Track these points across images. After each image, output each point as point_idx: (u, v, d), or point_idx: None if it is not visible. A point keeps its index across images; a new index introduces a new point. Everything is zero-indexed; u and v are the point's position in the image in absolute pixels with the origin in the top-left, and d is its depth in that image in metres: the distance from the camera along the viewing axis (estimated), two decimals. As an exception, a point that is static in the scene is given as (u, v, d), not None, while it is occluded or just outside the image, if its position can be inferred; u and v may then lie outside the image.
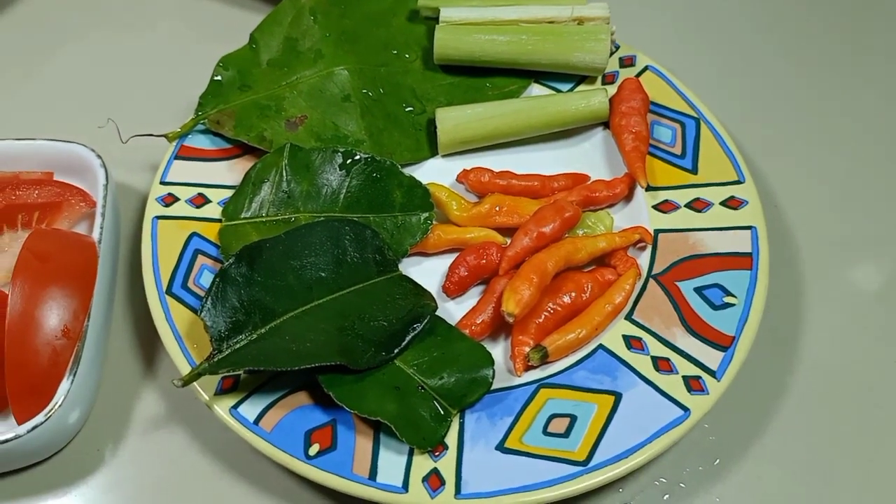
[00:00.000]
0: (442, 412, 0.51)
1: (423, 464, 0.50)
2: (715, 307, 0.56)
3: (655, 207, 0.62)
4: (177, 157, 0.63)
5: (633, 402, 0.52)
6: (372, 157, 0.60)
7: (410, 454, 0.50)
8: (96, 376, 0.55)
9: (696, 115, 0.66)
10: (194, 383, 0.51)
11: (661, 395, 0.52)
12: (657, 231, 0.60)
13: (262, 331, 0.52)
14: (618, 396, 0.53)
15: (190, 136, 0.64)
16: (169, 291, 0.56)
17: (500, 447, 0.51)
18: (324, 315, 0.54)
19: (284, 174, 0.60)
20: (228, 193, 0.62)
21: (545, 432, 0.51)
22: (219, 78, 0.65)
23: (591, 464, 0.50)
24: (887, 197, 0.68)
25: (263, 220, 0.59)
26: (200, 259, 0.58)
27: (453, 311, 0.59)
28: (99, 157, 0.62)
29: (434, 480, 0.49)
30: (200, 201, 0.61)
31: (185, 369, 0.52)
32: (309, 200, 0.60)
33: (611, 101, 0.66)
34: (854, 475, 0.55)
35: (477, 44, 0.67)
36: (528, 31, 0.67)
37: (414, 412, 0.51)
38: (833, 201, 0.68)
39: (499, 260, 0.58)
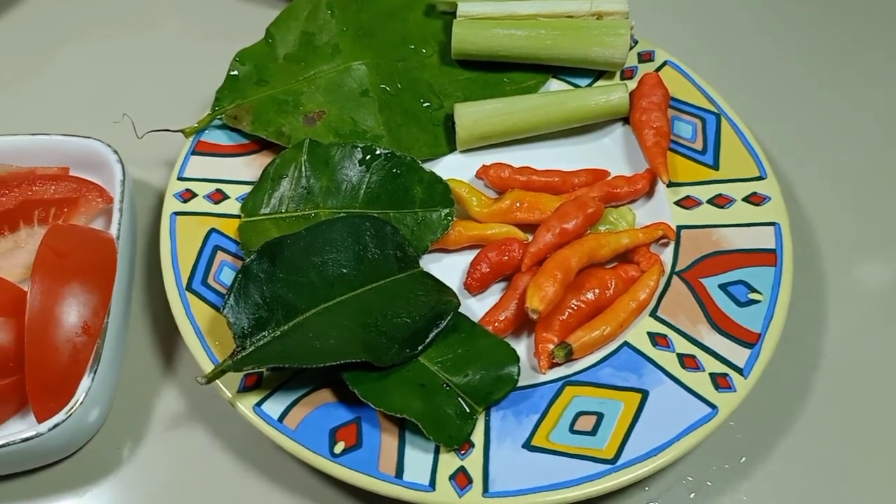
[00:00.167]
0: (468, 410, 0.50)
1: (449, 462, 0.49)
2: (740, 304, 0.56)
3: (677, 203, 0.61)
4: (194, 153, 0.62)
5: (660, 399, 0.52)
6: (392, 152, 0.60)
7: (436, 452, 0.50)
8: (116, 374, 0.55)
9: (716, 111, 0.66)
10: (217, 381, 0.51)
11: (688, 393, 0.52)
12: (680, 227, 0.60)
13: (285, 327, 0.51)
14: (644, 394, 0.52)
15: (206, 131, 0.64)
16: (189, 288, 0.55)
17: (527, 445, 0.50)
18: (346, 312, 0.53)
19: (304, 170, 0.60)
20: (246, 189, 0.61)
21: (572, 430, 0.51)
22: (235, 73, 0.65)
23: (620, 462, 0.49)
24: (907, 193, 0.68)
25: (283, 216, 0.59)
26: (220, 255, 0.57)
27: (475, 307, 0.58)
28: (115, 152, 0.61)
29: (461, 479, 0.49)
30: (219, 197, 0.60)
31: (207, 367, 0.52)
32: (329, 196, 0.59)
33: (630, 96, 0.65)
34: (879, 473, 0.55)
35: (495, 38, 0.66)
36: (547, 25, 0.66)
37: (439, 410, 0.50)
38: (853, 198, 0.68)
39: (521, 256, 0.58)
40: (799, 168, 0.69)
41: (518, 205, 0.60)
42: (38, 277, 0.51)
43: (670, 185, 0.62)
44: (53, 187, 0.59)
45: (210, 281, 0.56)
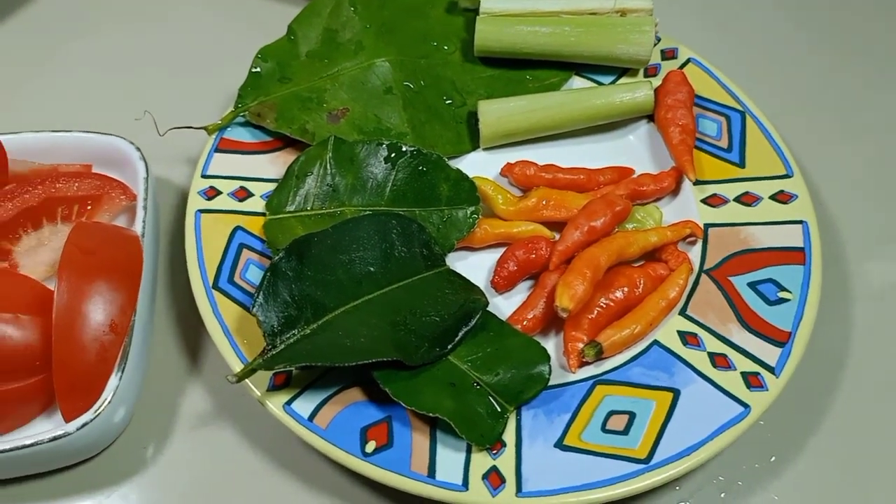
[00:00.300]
0: (499, 409, 0.50)
1: (481, 461, 0.49)
2: (770, 302, 0.55)
3: (704, 201, 0.61)
4: (217, 150, 0.62)
5: (692, 398, 0.51)
6: (418, 149, 0.59)
7: (468, 451, 0.49)
8: (142, 373, 0.54)
9: (741, 109, 0.65)
10: (246, 380, 0.50)
11: (720, 392, 0.52)
12: (707, 225, 0.60)
13: (315, 326, 0.51)
14: (676, 393, 0.52)
15: (229, 128, 0.63)
16: (216, 286, 0.55)
17: (560, 444, 0.50)
18: (375, 310, 0.53)
19: (329, 167, 0.59)
20: (270, 187, 0.61)
21: (604, 429, 0.50)
22: (257, 70, 0.64)
23: (653, 462, 0.49)
24: (932, 191, 0.68)
25: (308, 213, 0.58)
26: (245, 253, 0.57)
27: (501, 306, 0.58)
28: (138, 149, 0.61)
29: (494, 478, 0.48)
30: (243, 195, 0.60)
31: (236, 365, 0.51)
32: (354, 194, 0.59)
33: (655, 93, 0.65)
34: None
35: (519, 35, 0.66)
36: (571, 22, 0.66)
37: (470, 409, 0.50)
38: (876, 195, 0.68)
39: (548, 254, 0.57)
40: (820, 165, 0.69)
41: (544, 203, 0.60)
42: (64, 275, 0.51)
43: (696, 182, 0.62)
44: (77, 184, 0.58)
45: (237, 279, 0.55)
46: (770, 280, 0.56)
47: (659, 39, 0.69)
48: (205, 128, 0.62)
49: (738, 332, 0.54)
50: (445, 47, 0.68)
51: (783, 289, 0.56)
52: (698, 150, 0.63)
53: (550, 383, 0.52)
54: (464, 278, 0.56)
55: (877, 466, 0.54)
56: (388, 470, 0.48)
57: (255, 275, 0.56)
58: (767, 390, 0.52)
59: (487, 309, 0.55)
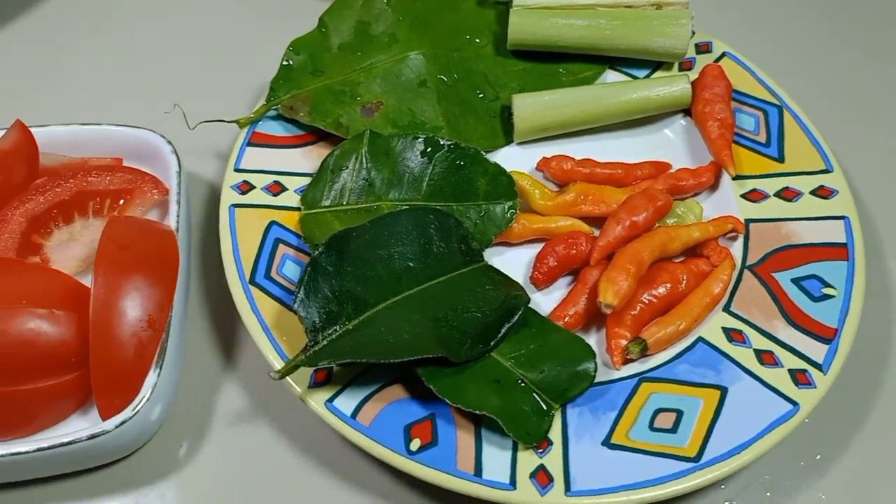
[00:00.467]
0: (544, 406, 0.49)
1: (528, 460, 0.48)
2: (814, 299, 0.55)
3: (744, 197, 0.60)
4: (249, 144, 0.61)
5: (740, 396, 0.51)
6: (456, 143, 0.58)
7: (514, 450, 0.48)
8: (178, 370, 0.53)
9: (778, 103, 0.64)
10: (286, 377, 0.49)
11: (768, 390, 0.51)
12: (748, 221, 0.59)
13: (356, 322, 0.50)
14: (723, 391, 0.51)
15: (260, 122, 0.62)
16: (252, 282, 0.54)
17: (607, 443, 0.49)
18: (415, 306, 0.52)
19: (364, 161, 0.58)
20: (304, 181, 0.60)
21: (652, 427, 0.50)
22: (289, 62, 0.63)
23: (703, 460, 0.48)
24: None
25: (344, 208, 0.57)
26: (281, 248, 0.56)
27: (539, 302, 0.57)
28: (169, 143, 0.60)
29: (542, 477, 0.47)
30: (277, 189, 0.59)
31: (275, 362, 0.51)
32: (391, 188, 0.58)
33: (692, 87, 0.64)
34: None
35: (553, 28, 0.65)
36: (607, 15, 0.65)
37: (516, 406, 0.49)
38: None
39: (588, 250, 0.56)
40: (859, 160, 0.68)
41: (583, 197, 0.59)
42: (101, 270, 0.50)
43: (736, 177, 0.61)
44: (109, 178, 0.57)
45: (273, 274, 0.54)
46: (814, 276, 0.56)
47: (693, 33, 0.68)
48: (236, 121, 0.61)
49: (784, 329, 0.53)
50: (477, 40, 0.67)
51: (827, 285, 0.55)
52: (736, 144, 0.63)
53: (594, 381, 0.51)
54: (503, 274, 0.56)
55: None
56: (435, 468, 0.47)
57: (291, 270, 0.55)
58: (816, 388, 0.51)
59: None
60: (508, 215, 0.57)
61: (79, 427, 0.50)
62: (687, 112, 0.65)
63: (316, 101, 0.61)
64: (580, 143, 0.65)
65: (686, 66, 0.67)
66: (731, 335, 0.53)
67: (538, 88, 0.65)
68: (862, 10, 0.80)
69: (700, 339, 0.53)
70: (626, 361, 0.53)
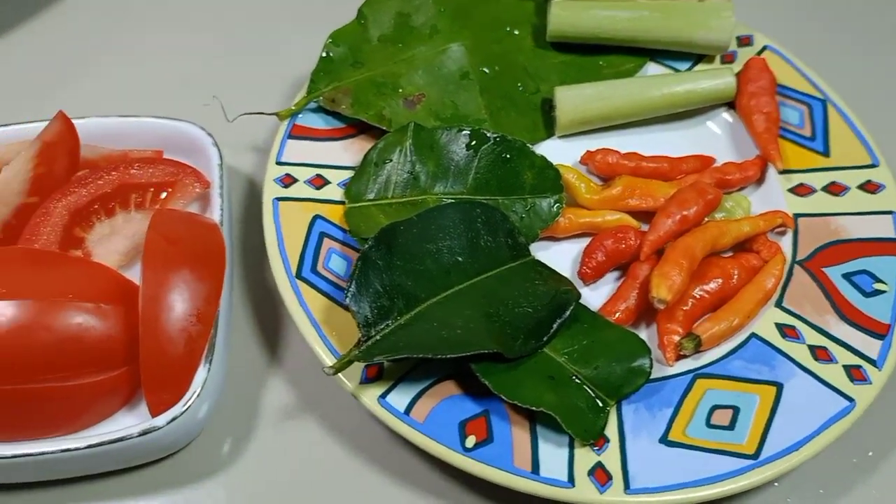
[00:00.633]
0: (600, 403, 0.48)
1: (585, 457, 0.47)
2: (866, 294, 0.54)
3: (791, 191, 0.60)
4: (290, 137, 0.60)
5: (796, 392, 0.50)
6: (502, 136, 0.58)
7: (571, 447, 0.48)
8: (225, 366, 0.52)
9: (821, 97, 0.64)
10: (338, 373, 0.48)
11: (823, 386, 0.50)
12: (796, 215, 0.58)
13: (408, 316, 0.49)
14: (779, 387, 0.50)
15: (300, 115, 0.61)
16: (299, 276, 0.53)
17: (665, 440, 0.48)
18: (466, 301, 0.51)
19: (409, 154, 0.58)
20: (346, 174, 0.59)
21: (709, 424, 0.49)
22: (329, 54, 0.62)
23: (762, 457, 0.47)
24: None
25: (389, 201, 0.57)
26: (327, 242, 0.55)
27: (586, 296, 0.56)
28: (210, 135, 0.59)
29: (600, 475, 0.47)
30: (320, 182, 0.58)
31: (325, 357, 0.50)
32: (436, 181, 0.57)
33: (736, 80, 0.63)
34: None
35: (595, 20, 0.64)
36: (649, 7, 0.64)
37: (571, 403, 0.48)
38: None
39: (637, 244, 0.56)
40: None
41: (630, 191, 0.58)
42: (150, 265, 0.49)
43: (782, 172, 0.60)
44: (151, 170, 0.56)
45: (320, 269, 0.54)
46: (864, 271, 0.55)
47: (734, 26, 0.67)
48: (277, 114, 0.60)
49: (837, 325, 0.53)
50: (516, 32, 0.67)
51: (878, 280, 0.55)
52: (781, 138, 0.62)
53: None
54: (550, 269, 0.55)
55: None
56: (491, 466, 0.47)
57: (337, 264, 0.54)
58: (871, 383, 0.50)
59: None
60: (555, 209, 0.57)
61: (125, 424, 0.49)
62: (729, 105, 0.64)
63: (358, 94, 0.60)
64: (621, 137, 0.64)
65: (728, 58, 0.67)
66: (785, 331, 0.53)
67: (579, 81, 0.64)
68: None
69: (753, 335, 0.53)
70: (679, 357, 0.52)
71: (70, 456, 0.46)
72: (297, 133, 0.60)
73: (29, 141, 0.57)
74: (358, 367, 0.50)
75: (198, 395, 0.48)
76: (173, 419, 0.47)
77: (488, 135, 0.58)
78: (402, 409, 0.48)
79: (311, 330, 0.51)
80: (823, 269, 0.55)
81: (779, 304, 0.54)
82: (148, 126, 0.59)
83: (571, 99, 0.62)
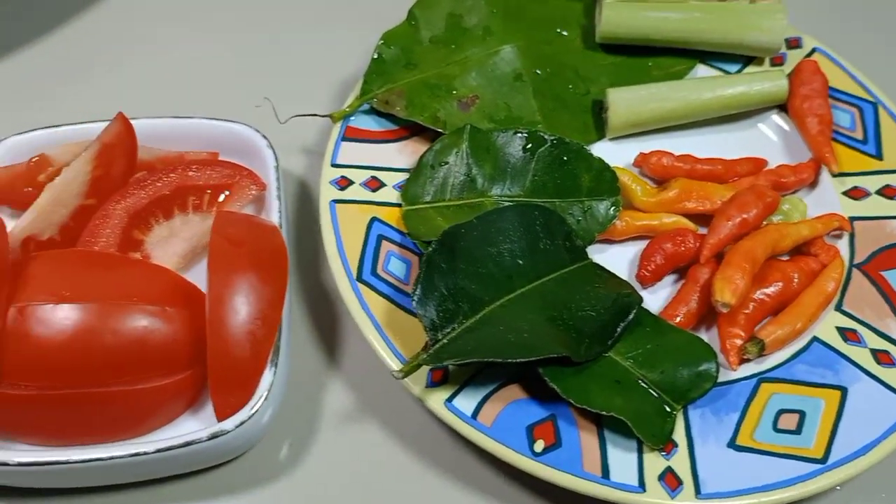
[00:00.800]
0: (667, 408, 0.48)
1: (655, 462, 0.47)
2: (926, 298, 0.54)
3: (845, 194, 0.59)
4: (344, 139, 0.60)
5: (860, 396, 0.50)
6: (560, 138, 0.58)
7: (640, 451, 0.48)
8: (288, 369, 0.52)
9: (872, 100, 0.64)
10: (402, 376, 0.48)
11: (888, 390, 0.50)
12: (852, 218, 0.58)
13: (474, 320, 0.49)
14: (843, 391, 0.50)
15: (352, 117, 0.61)
16: (360, 279, 0.53)
17: (733, 444, 0.48)
18: (529, 304, 0.51)
19: (465, 157, 0.58)
20: (401, 177, 0.59)
21: (776, 429, 0.49)
22: (380, 55, 0.62)
23: (830, 461, 0.47)
24: None
25: (446, 204, 0.57)
26: (385, 245, 0.55)
27: (644, 299, 0.56)
28: (265, 137, 0.58)
29: (671, 479, 0.47)
30: (375, 185, 0.58)
31: (390, 360, 0.50)
32: (493, 184, 0.57)
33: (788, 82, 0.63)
34: None
35: (646, 22, 0.64)
36: (701, 9, 0.64)
37: (638, 407, 0.48)
38: None
39: (696, 248, 0.56)
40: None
41: (687, 194, 0.58)
42: (215, 267, 0.49)
43: (836, 175, 0.60)
44: (209, 172, 0.56)
45: (380, 271, 0.54)
46: (922, 275, 0.55)
47: (782, 28, 0.67)
48: (330, 115, 0.60)
49: (898, 329, 0.53)
50: (565, 33, 0.66)
51: (938, 284, 0.54)
52: (833, 141, 0.62)
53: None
54: (609, 271, 0.55)
55: None
56: (561, 470, 0.47)
57: (396, 267, 0.54)
58: (935, 388, 0.50)
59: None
60: (612, 212, 0.57)
61: (188, 428, 0.49)
62: (779, 108, 0.64)
63: (412, 95, 0.60)
64: (670, 139, 0.64)
65: (777, 61, 0.66)
66: (846, 335, 0.53)
67: (629, 83, 0.64)
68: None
69: (815, 338, 0.53)
70: (742, 361, 0.52)
71: (140, 460, 0.46)
72: (350, 135, 0.60)
73: (82, 142, 0.57)
74: (422, 371, 0.49)
75: (265, 399, 0.48)
76: (242, 423, 0.47)
77: (546, 137, 0.58)
78: (469, 413, 0.48)
79: (374, 333, 0.51)
80: (882, 273, 0.55)
81: (839, 308, 0.54)
82: (201, 127, 0.59)
83: (624, 101, 0.62)
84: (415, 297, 0.49)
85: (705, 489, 0.46)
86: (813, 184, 0.61)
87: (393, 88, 0.61)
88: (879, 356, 0.52)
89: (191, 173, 0.56)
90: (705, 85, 0.62)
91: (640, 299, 0.53)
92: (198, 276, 0.54)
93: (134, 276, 0.51)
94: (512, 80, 0.62)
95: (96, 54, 0.71)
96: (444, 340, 0.48)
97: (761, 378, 0.51)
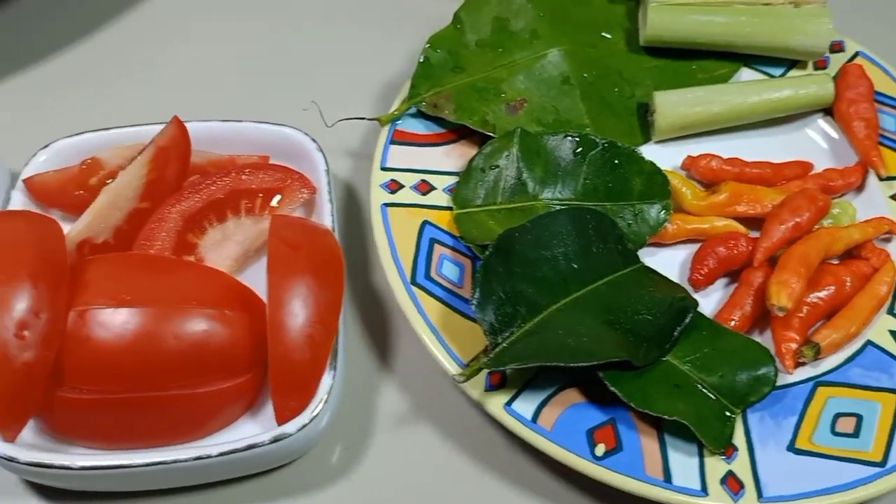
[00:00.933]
0: (726, 412, 0.48)
1: (716, 466, 0.47)
2: (978, 301, 0.54)
3: (893, 198, 0.60)
4: (392, 142, 0.60)
5: (917, 400, 0.50)
6: (611, 142, 0.58)
7: (701, 455, 0.48)
8: (344, 373, 0.52)
9: (917, 104, 0.64)
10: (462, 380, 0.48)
11: (944, 393, 0.50)
12: (901, 222, 0.58)
13: (532, 324, 0.49)
14: (900, 395, 0.50)
15: (400, 120, 0.61)
16: (414, 282, 0.53)
17: (792, 448, 0.48)
18: (586, 308, 0.51)
19: (516, 160, 0.58)
20: (450, 180, 0.59)
21: (834, 432, 0.49)
22: (426, 59, 0.62)
23: (889, 464, 0.48)
24: None
25: (498, 207, 0.57)
26: (437, 248, 0.55)
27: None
28: (314, 140, 0.59)
29: (732, 483, 0.47)
30: (425, 188, 0.58)
31: (447, 364, 0.50)
32: (544, 187, 0.57)
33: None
34: None
35: (692, 25, 0.64)
36: (747, 12, 0.64)
37: (699, 411, 0.48)
38: None
39: (748, 251, 0.56)
40: None
41: (737, 197, 0.58)
42: (275, 271, 0.49)
43: (884, 179, 0.60)
44: (262, 176, 0.56)
45: (433, 275, 0.54)
46: (974, 278, 0.55)
47: (825, 31, 0.67)
48: (378, 119, 0.60)
49: (952, 332, 0.53)
50: (609, 36, 0.67)
51: None
52: (880, 145, 0.62)
53: (774, 385, 0.50)
54: (662, 275, 0.55)
55: None
56: (623, 474, 0.47)
57: (450, 270, 0.54)
58: None
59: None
60: (663, 216, 0.57)
61: (247, 432, 0.50)
62: (825, 111, 0.64)
63: (460, 99, 0.60)
64: (715, 142, 0.64)
65: (820, 64, 0.67)
66: (900, 338, 0.53)
67: (673, 86, 0.64)
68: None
69: (869, 342, 0.53)
70: (798, 365, 0.52)
71: (203, 464, 0.46)
72: (398, 138, 0.60)
73: (132, 145, 0.57)
74: (481, 375, 0.50)
75: (324, 402, 0.48)
76: (303, 426, 0.47)
77: (597, 140, 0.58)
78: (528, 416, 0.48)
79: (431, 337, 0.51)
80: (933, 276, 0.55)
81: (891, 312, 0.54)
82: (252, 131, 0.59)
83: (671, 104, 0.62)
84: (474, 302, 0.49)
85: (767, 492, 0.47)
86: (860, 187, 0.61)
87: (441, 92, 0.61)
88: (934, 360, 0.52)
89: (244, 177, 0.56)
90: (752, 88, 0.63)
91: (696, 303, 0.53)
92: (250, 279, 0.54)
93: (191, 279, 0.51)
94: (559, 83, 0.62)
95: (141, 55, 0.71)
96: (504, 344, 0.48)
97: (817, 382, 0.51)
